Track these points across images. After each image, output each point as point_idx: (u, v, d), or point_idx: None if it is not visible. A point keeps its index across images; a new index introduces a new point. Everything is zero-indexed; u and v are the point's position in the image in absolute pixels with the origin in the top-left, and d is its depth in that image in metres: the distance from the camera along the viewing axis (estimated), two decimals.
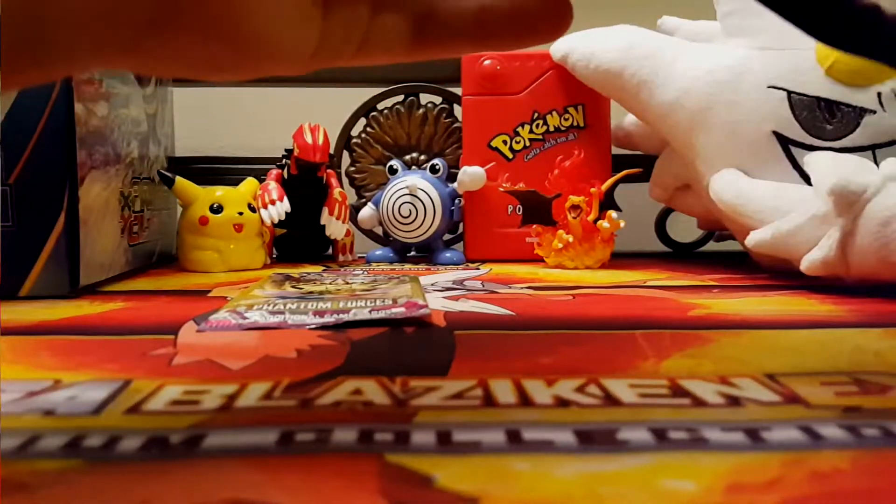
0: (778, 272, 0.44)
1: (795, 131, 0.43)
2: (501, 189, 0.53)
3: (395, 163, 0.57)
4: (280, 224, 0.53)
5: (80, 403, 0.19)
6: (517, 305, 0.34)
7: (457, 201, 0.55)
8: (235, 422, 0.18)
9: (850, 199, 0.35)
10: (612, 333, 0.28)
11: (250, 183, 0.53)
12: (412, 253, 0.57)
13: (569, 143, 0.55)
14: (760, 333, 0.28)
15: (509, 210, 0.55)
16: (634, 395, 0.20)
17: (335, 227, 0.53)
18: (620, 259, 0.54)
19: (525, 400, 0.19)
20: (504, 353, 0.25)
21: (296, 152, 0.52)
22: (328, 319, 0.29)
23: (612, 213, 0.49)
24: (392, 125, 0.61)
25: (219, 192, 0.50)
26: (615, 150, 0.57)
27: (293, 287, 0.39)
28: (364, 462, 0.15)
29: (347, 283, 0.40)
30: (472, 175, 0.54)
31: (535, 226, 0.51)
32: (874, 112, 0.42)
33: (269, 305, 0.32)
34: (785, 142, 0.43)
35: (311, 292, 0.37)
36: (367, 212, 0.56)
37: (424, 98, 0.61)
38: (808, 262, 0.37)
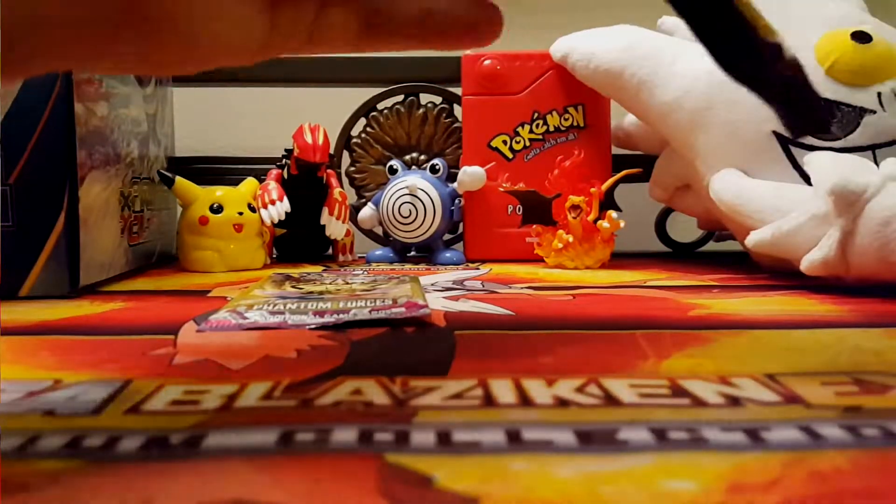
0: (778, 272, 0.44)
1: None
2: (501, 189, 0.53)
3: (395, 163, 0.57)
4: (280, 224, 0.53)
5: (80, 403, 0.19)
6: (517, 305, 0.34)
7: (457, 201, 0.55)
8: (235, 422, 0.18)
9: (850, 199, 0.35)
10: (612, 333, 0.28)
11: (250, 183, 0.53)
12: (412, 253, 0.57)
13: (569, 143, 0.55)
14: (760, 333, 0.28)
15: (509, 210, 0.55)
16: (634, 395, 0.20)
17: (335, 227, 0.53)
18: (620, 259, 0.54)
19: (525, 400, 0.19)
20: (504, 353, 0.25)
21: (296, 152, 0.52)
22: (328, 319, 0.29)
23: (612, 213, 0.49)
24: (392, 125, 0.61)
25: (219, 192, 0.50)
26: (615, 150, 0.57)
27: (293, 287, 0.39)
28: (364, 462, 0.15)
29: (347, 283, 0.40)
30: (472, 175, 0.54)
31: (535, 226, 0.51)
32: (874, 112, 0.42)
33: (269, 305, 0.32)
34: (785, 142, 0.43)
35: (311, 292, 0.37)
36: (367, 212, 0.56)
37: (424, 98, 0.61)
38: (808, 262, 0.37)
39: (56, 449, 0.16)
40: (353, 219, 0.57)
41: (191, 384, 0.21)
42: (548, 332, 0.28)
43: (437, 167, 0.56)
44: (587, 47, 0.52)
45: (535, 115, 0.55)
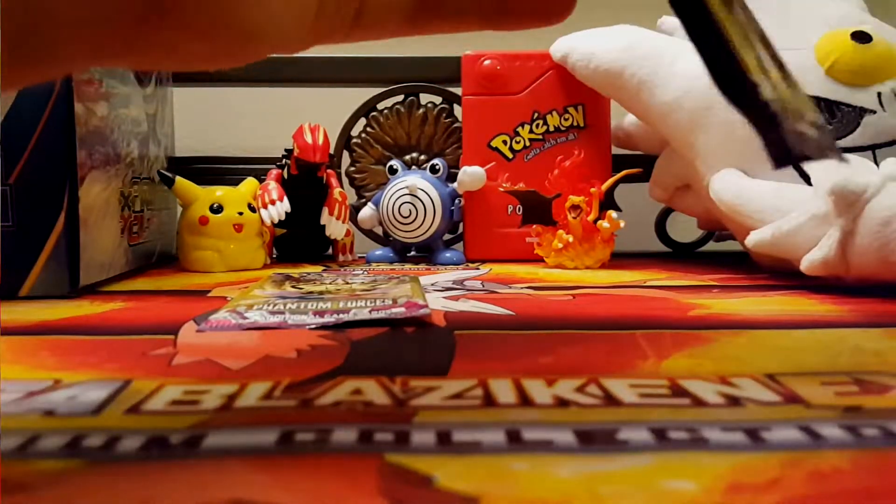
0: (778, 272, 0.44)
1: None
2: (501, 189, 0.53)
3: (395, 163, 0.57)
4: (280, 224, 0.53)
5: (80, 403, 0.19)
6: (517, 305, 0.34)
7: (457, 201, 0.55)
8: (235, 422, 0.18)
9: (850, 199, 0.35)
10: (612, 333, 0.28)
11: (250, 183, 0.53)
12: (412, 253, 0.57)
13: (569, 143, 0.55)
14: (760, 333, 0.28)
15: (509, 210, 0.55)
16: (634, 395, 0.20)
17: (335, 227, 0.53)
18: (620, 259, 0.54)
19: (525, 400, 0.19)
20: (504, 353, 0.25)
21: (296, 152, 0.52)
22: (328, 319, 0.29)
23: (612, 213, 0.49)
24: (392, 125, 0.61)
25: (219, 192, 0.50)
26: (615, 150, 0.57)
27: (293, 287, 0.39)
28: (364, 462, 0.15)
29: (347, 283, 0.40)
30: (472, 175, 0.54)
31: (535, 226, 0.51)
32: (874, 112, 0.42)
33: (269, 305, 0.32)
34: None
35: (311, 292, 0.37)
36: (367, 212, 0.56)
37: (424, 98, 0.61)
38: (808, 262, 0.37)
39: (56, 449, 0.16)
40: (353, 219, 0.57)
41: (191, 384, 0.21)
42: (548, 332, 0.28)
43: (437, 167, 0.56)
44: (587, 47, 0.52)
45: (535, 115, 0.55)
